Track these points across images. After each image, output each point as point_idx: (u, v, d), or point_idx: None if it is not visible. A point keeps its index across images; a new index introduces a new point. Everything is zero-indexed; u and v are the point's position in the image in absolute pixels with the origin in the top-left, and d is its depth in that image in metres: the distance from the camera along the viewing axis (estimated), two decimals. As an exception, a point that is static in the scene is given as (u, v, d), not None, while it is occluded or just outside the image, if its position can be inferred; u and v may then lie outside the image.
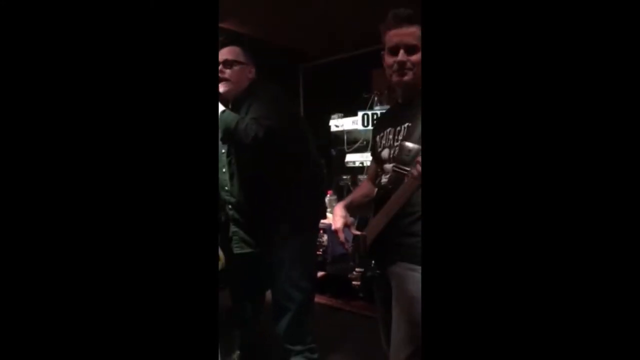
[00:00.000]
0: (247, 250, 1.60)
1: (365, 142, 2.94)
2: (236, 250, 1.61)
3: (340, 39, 2.80)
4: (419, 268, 1.07)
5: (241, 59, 1.54)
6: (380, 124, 1.35)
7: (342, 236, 1.22)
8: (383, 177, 1.20)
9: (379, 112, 2.68)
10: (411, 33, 1.11)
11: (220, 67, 1.49)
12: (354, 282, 1.17)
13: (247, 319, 1.78)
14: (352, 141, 2.98)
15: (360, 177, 3.03)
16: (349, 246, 1.22)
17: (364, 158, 2.90)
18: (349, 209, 1.29)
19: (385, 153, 1.22)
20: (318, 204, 1.71)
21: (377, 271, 1.13)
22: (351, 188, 3.07)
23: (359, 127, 2.73)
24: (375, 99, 2.84)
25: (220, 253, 1.65)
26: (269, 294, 1.69)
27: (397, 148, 1.16)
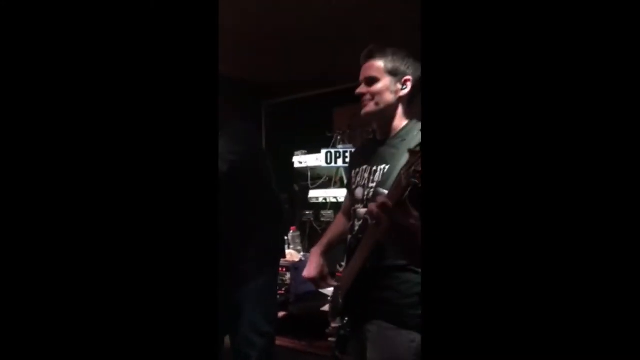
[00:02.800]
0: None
1: (327, 179, 2.96)
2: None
3: (303, 78, 2.86)
4: (395, 328, 1.01)
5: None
6: (356, 158, 1.31)
7: (322, 285, 1.17)
8: (356, 222, 1.15)
9: (341, 151, 2.73)
10: (371, 66, 1.18)
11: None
12: (330, 339, 1.12)
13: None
14: (315, 177, 2.98)
15: (323, 212, 3.03)
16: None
17: (327, 194, 2.91)
18: (327, 254, 1.22)
19: (359, 192, 1.18)
20: (279, 241, 1.67)
21: (348, 329, 1.08)
22: (314, 224, 3.05)
23: (323, 164, 2.76)
24: (338, 137, 2.89)
25: None
26: (226, 338, 1.60)
27: (371, 191, 1.12)
